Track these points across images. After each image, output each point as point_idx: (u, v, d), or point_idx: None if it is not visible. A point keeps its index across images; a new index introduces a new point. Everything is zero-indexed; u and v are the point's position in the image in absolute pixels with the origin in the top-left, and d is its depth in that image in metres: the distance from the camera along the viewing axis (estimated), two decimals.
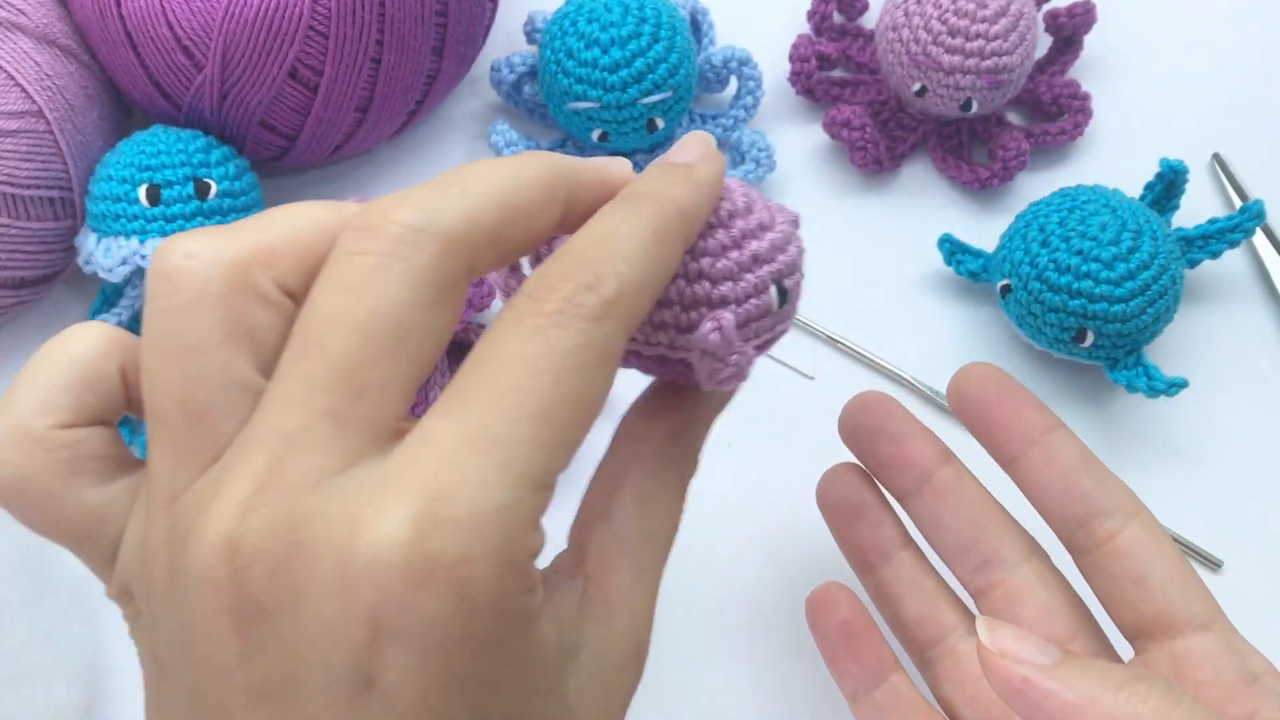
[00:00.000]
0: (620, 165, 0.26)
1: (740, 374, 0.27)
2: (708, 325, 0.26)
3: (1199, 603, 0.31)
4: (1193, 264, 0.46)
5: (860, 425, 0.36)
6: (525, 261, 0.27)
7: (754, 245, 0.27)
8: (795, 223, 0.29)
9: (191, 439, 0.22)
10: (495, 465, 0.20)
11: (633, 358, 0.28)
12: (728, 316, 0.26)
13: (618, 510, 0.26)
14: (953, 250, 0.47)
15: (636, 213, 0.24)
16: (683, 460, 0.27)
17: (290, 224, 0.23)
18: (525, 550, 0.21)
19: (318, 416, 0.21)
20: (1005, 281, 0.44)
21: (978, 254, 0.47)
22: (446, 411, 0.21)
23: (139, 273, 0.45)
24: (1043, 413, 0.34)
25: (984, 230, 0.48)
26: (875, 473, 0.37)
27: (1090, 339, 0.43)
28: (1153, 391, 0.43)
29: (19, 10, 0.44)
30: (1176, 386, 0.43)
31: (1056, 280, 0.42)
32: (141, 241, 0.44)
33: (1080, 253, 0.42)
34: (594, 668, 0.24)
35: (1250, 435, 0.46)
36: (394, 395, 0.22)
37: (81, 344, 0.24)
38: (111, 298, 0.47)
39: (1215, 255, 0.45)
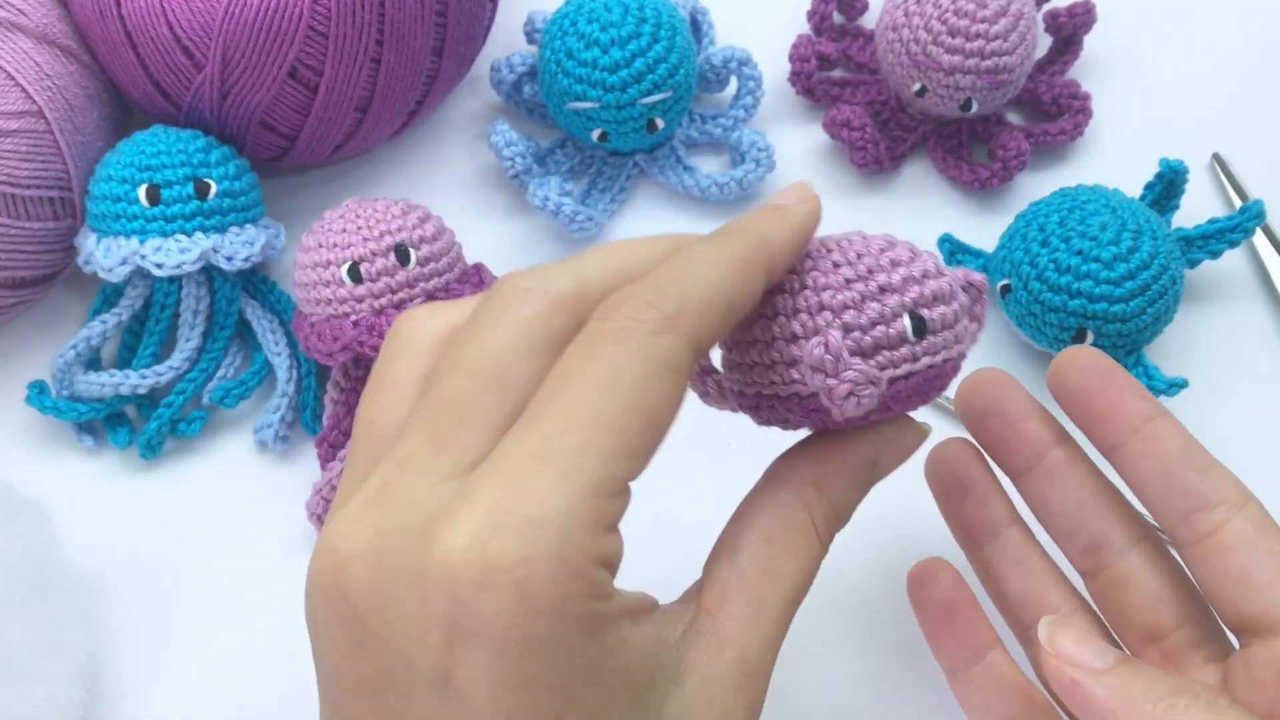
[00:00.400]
0: (798, 206, 0.29)
1: (869, 400, 0.28)
2: (814, 340, 0.27)
3: None
4: (1193, 264, 0.46)
5: (973, 405, 0.35)
6: None
7: (881, 278, 0.29)
8: (937, 263, 0.30)
9: (359, 459, 0.27)
10: (553, 475, 0.23)
11: (762, 402, 0.29)
12: (834, 333, 0.28)
13: (743, 546, 0.28)
14: (953, 250, 0.47)
15: (717, 242, 0.27)
16: (819, 507, 0.29)
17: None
18: (588, 554, 0.23)
19: (422, 442, 0.25)
20: (1005, 281, 0.44)
21: (978, 254, 0.47)
22: (517, 431, 0.24)
23: (139, 273, 0.45)
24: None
25: (984, 230, 0.48)
26: (987, 450, 0.36)
27: (1090, 339, 0.43)
28: (1153, 391, 0.43)
29: (19, 10, 0.44)
30: (1176, 386, 0.43)
31: (1056, 280, 0.42)
32: (141, 241, 0.44)
33: (1080, 253, 0.42)
34: (696, 695, 0.26)
35: (1250, 435, 0.46)
36: (492, 425, 0.25)
37: None
38: (111, 298, 0.47)
39: (1215, 255, 0.45)
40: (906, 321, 0.28)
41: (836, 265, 0.29)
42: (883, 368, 0.28)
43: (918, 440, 0.31)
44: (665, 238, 0.28)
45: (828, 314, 0.28)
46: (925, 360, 0.29)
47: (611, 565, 0.24)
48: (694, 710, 0.26)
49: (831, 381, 0.28)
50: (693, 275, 0.26)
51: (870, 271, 0.29)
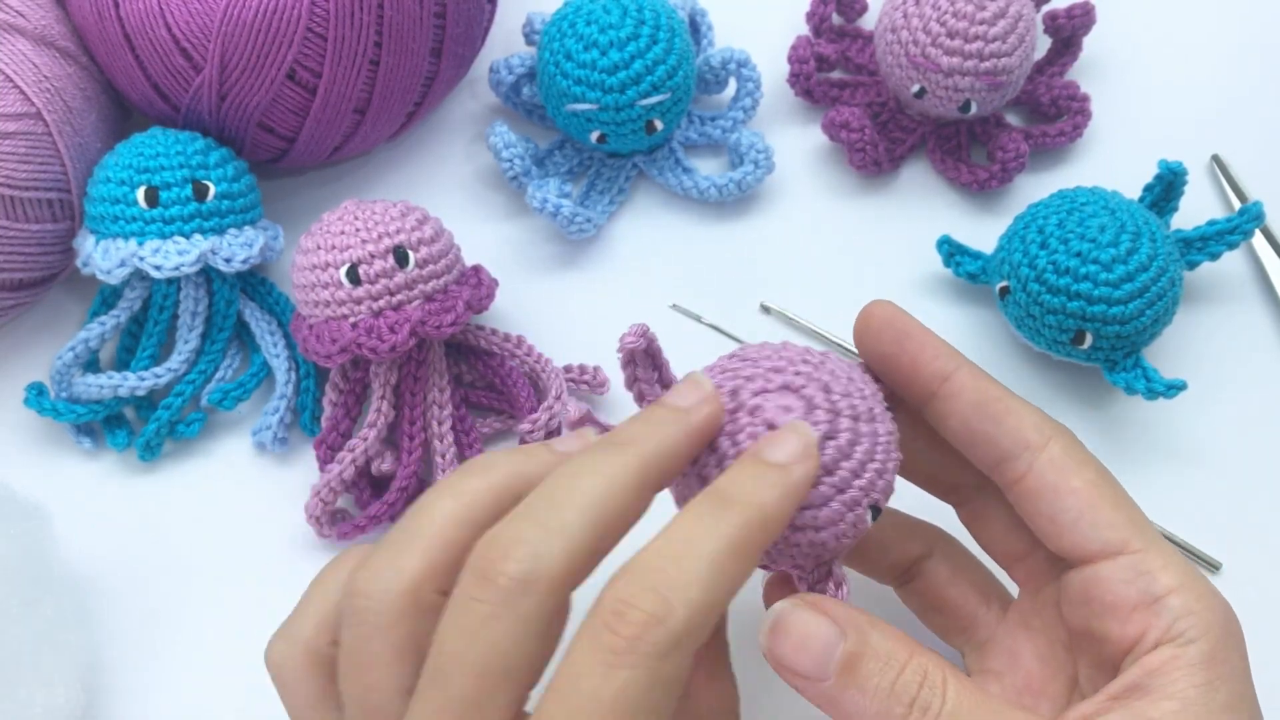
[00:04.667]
0: (697, 407, 0.30)
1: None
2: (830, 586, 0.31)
3: (1110, 529, 0.32)
4: (1192, 266, 0.45)
5: (884, 336, 0.35)
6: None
7: (857, 483, 0.30)
8: (891, 433, 0.32)
9: None
10: None
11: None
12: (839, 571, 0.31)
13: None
14: (951, 252, 0.47)
15: (717, 523, 0.27)
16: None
17: (446, 530, 0.28)
18: None
19: None
20: (1004, 283, 0.44)
21: (976, 255, 0.47)
22: (412, 711, 0.26)
23: (137, 274, 0.45)
24: (940, 358, 0.34)
25: (983, 232, 0.48)
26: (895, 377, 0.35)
27: (1089, 341, 0.43)
28: (1151, 394, 0.43)
29: (17, 12, 0.44)
30: (1175, 389, 0.43)
31: (1055, 282, 0.42)
32: (140, 243, 0.44)
33: (1079, 255, 0.42)
34: None
35: (1249, 437, 0.46)
36: (503, 712, 0.26)
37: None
38: (110, 300, 0.47)
39: (1214, 257, 0.45)
40: (869, 515, 0.31)
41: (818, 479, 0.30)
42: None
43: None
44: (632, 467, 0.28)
45: (811, 532, 0.31)
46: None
47: None
48: None
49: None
50: (698, 578, 0.26)
51: (851, 477, 0.30)
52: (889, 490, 0.31)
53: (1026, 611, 0.36)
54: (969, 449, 0.34)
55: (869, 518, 0.31)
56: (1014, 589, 0.37)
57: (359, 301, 0.42)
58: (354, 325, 0.42)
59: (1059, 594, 0.34)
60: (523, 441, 0.43)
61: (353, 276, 0.42)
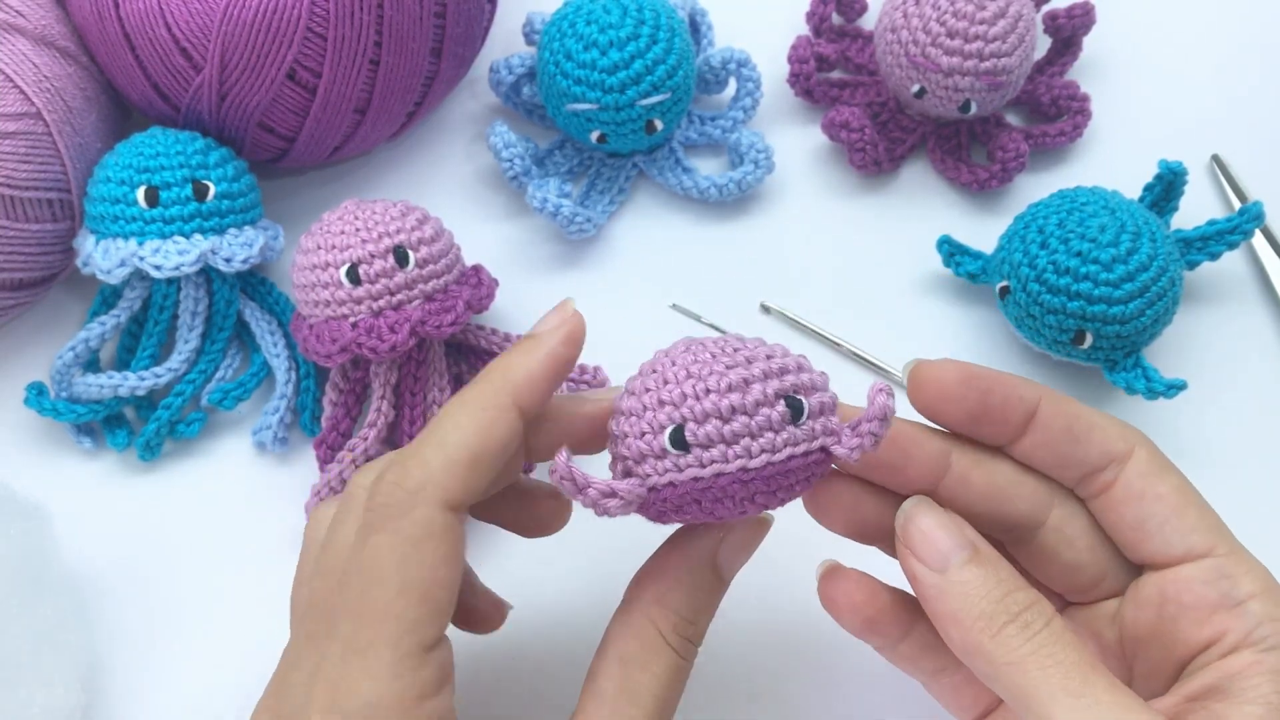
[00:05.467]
0: (555, 330, 0.32)
1: (619, 510, 0.30)
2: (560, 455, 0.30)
3: (1195, 534, 0.32)
4: (1192, 265, 0.45)
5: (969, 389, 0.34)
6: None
7: (664, 392, 0.30)
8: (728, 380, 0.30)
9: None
10: (358, 672, 0.28)
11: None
12: (562, 454, 0.30)
13: (602, 671, 0.31)
14: (951, 252, 0.47)
15: (464, 395, 0.31)
16: (665, 620, 0.31)
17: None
18: None
19: (300, 639, 0.31)
20: (1004, 283, 0.44)
21: (976, 255, 0.47)
22: (326, 634, 0.30)
23: (137, 274, 0.45)
24: (1024, 398, 0.33)
25: (983, 232, 0.48)
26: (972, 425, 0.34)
27: (1089, 341, 0.43)
28: (1151, 393, 0.43)
29: (17, 12, 0.44)
30: (1175, 388, 0.43)
31: (1055, 282, 0.42)
32: (140, 243, 0.44)
33: (1079, 254, 0.42)
34: None
35: (1249, 437, 0.46)
36: (401, 622, 0.29)
37: None
38: (110, 300, 0.47)
39: (1214, 257, 0.45)
40: (666, 437, 0.29)
41: (639, 379, 0.31)
42: (644, 477, 0.30)
43: (756, 537, 0.33)
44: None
45: (614, 423, 0.31)
46: (691, 471, 0.29)
47: None
48: None
49: (579, 498, 0.30)
50: (435, 440, 0.30)
51: (658, 385, 0.30)
52: (703, 416, 0.30)
53: (1080, 619, 0.35)
54: (1055, 471, 0.34)
55: (666, 440, 0.30)
56: None
57: (359, 301, 0.42)
58: (354, 325, 0.42)
59: (1123, 601, 0.34)
60: None
61: (353, 276, 0.42)
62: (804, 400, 0.30)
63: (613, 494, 0.29)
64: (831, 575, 0.34)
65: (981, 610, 0.30)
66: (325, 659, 0.29)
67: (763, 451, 0.29)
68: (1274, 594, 0.31)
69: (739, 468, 0.29)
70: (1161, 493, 0.33)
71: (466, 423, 0.30)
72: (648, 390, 0.30)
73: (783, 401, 0.29)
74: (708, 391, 0.29)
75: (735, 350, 0.30)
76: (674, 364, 0.30)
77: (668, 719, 0.31)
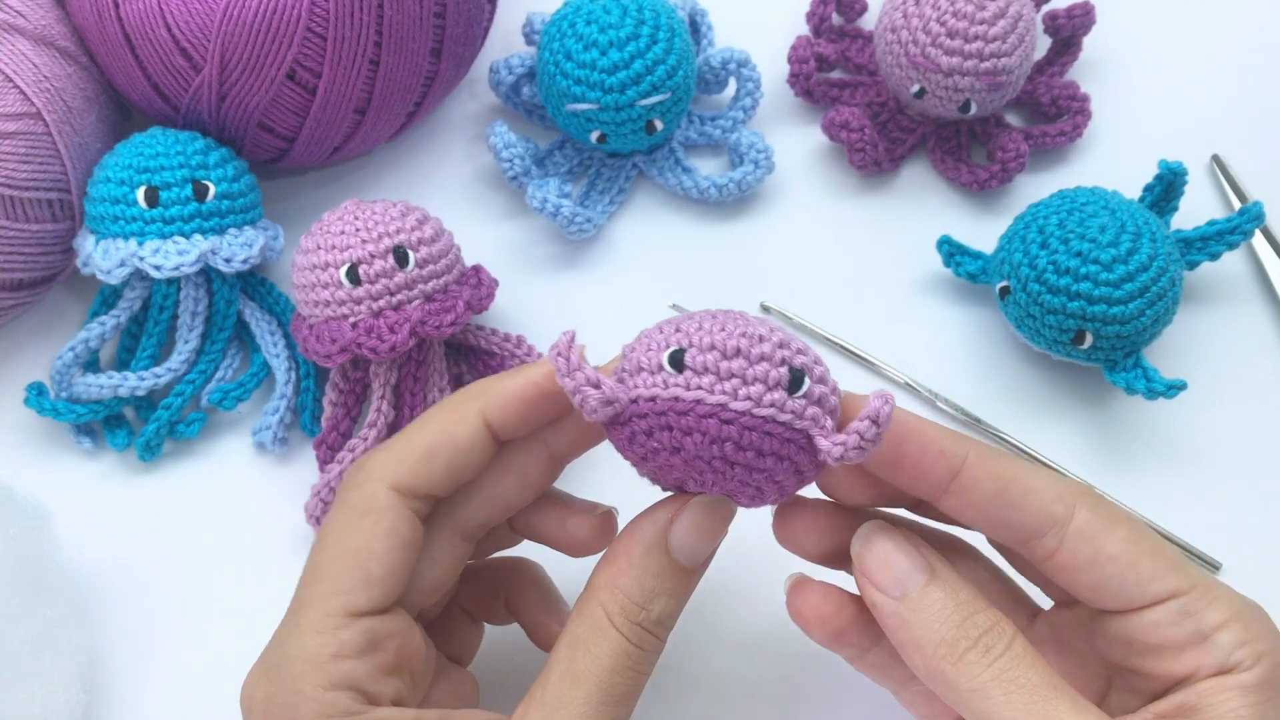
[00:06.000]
0: (536, 368, 0.34)
1: (596, 409, 0.30)
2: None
3: (1154, 583, 0.31)
4: (1192, 266, 0.45)
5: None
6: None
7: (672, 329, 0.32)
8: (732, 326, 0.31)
9: None
10: (290, 627, 0.32)
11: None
12: (565, 335, 0.31)
13: (552, 655, 0.32)
14: (951, 252, 0.47)
15: (445, 399, 0.35)
16: (615, 602, 0.31)
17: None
18: (319, 682, 0.30)
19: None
20: (1004, 283, 0.44)
21: (976, 255, 0.47)
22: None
23: (137, 274, 0.45)
24: (946, 454, 0.32)
25: (983, 232, 0.48)
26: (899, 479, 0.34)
27: (1089, 341, 0.43)
28: (1151, 393, 0.43)
29: (17, 12, 0.44)
30: (1175, 388, 0.43)
31: (1055, 282, 0.42)
32: (140, 243, 0.44)
33: (1079, 255, 0.42)
34: None
35: (1249, 437, 0.46)
36: (351, 597, 0.32)
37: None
38: (110, 300, 0.47)
39: (1214, 257, 0.45)
40: (666, 355, 0.30)
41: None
42: (632, 388, 0.30)
43: (711, 520, 0.32)
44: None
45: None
46: (675, 390, 0.30)
47: (357, 685, 0.30)
48: None
49: (566, 380, 0.30)
50: (403, 434, 0.33)
51: (681, 321, 0.31)
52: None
53: (1058, 623, 0.35)
54: (992, 533, 0.33)
55: (664, 360, 0.30)
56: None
57: (359, 301, 0.42)
58: (354, 325, 0.42)
59: (1094, 628, 0.33)
60: None
61: (353, 276, 0.42)
62: (806, 377, 0.30)
63: (596, 385, 0.30)
64: (799, 588, 0.34)
65: (942, 637, 0.30)
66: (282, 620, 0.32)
67: (748, 399, 0.29)
68: (1242, 619, 0.31)
69: (719, 403, 0.29)
70: (1112, 552, 0.31)
71: (431, 422, 0.33)
72: (670, 323, 0.31)
73: (786, 368, 0.30)
74: (721, 329, 0.30)
75: (764, 323, 0.31)
76: (705, 312, 0.31)
77: (619, 703, 0.31)
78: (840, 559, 0.34)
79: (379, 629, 0.31)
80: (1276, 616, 0.40)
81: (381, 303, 0.42)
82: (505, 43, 0.52)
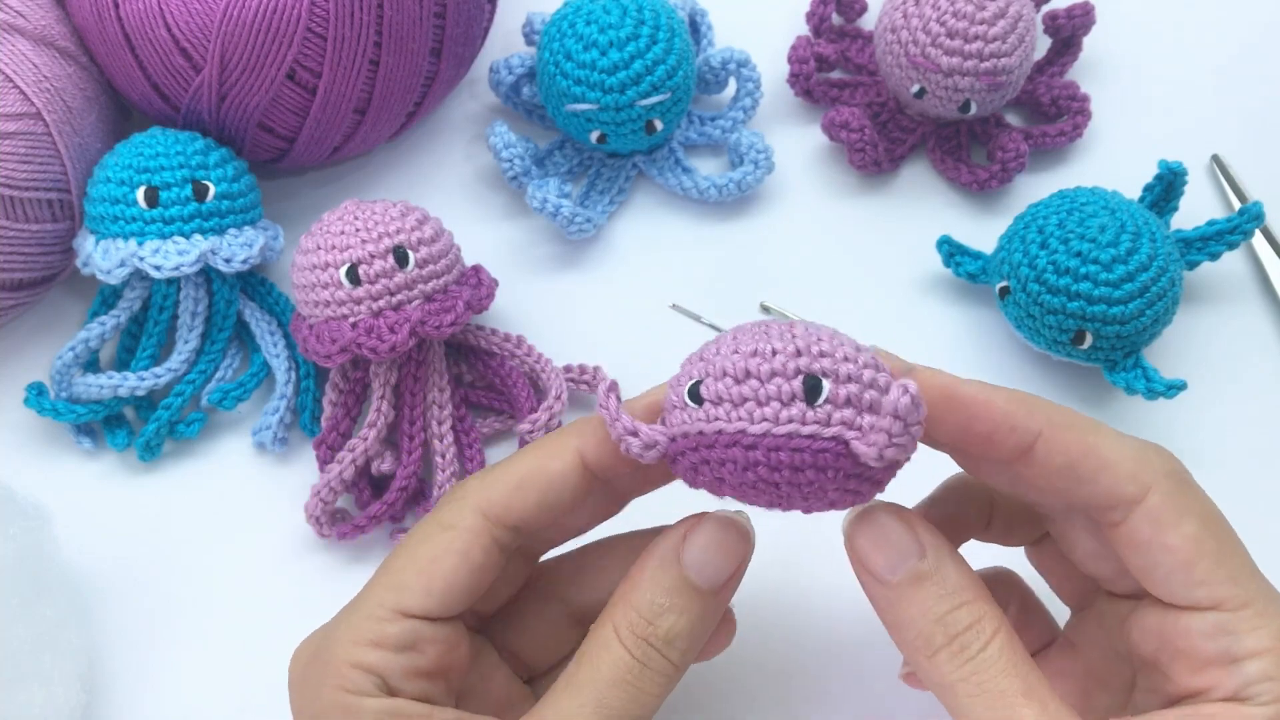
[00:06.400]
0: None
1: (639, 452, 0.31)
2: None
3: (1201, 588, 0.30)
4: (1192, 266, 0.45)
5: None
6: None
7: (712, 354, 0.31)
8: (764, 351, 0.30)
9: None
10: (347, 610, 0.33)
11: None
12: (607, 382, 0.32)
13: (569, 666, 0.32)
14: (951, 252, 0.47)
15: (550, 436, 0.33)
16: (624, 617, 0.31)
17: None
18: (346, 658, 0.31)
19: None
20: (1004, 283, 0.44)
21: (976, 255, 0.47)
22: None
23: (137, 274, 0.45)
24: (1019, 429, 0.31)
25: (983, 232, 0.48)
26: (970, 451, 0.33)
27: (1089, 341, 0.43)
28: (1151, 393, 0.43)
29: (17, 12, 0.44)
30: (1175, 388, 0.43)
31: (1055, 282, 0.42)
32: (140, 244, 0.44)
33: (1079, 254, 0.42)
34: None
35: (1249, 436, 0.46)
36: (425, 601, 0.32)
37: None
38: (110, 300, 0.47)
39: (1214, 257, 0.45)
40: (686, 389, 0.30)
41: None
42: (670, 426, 0.30)
43: (725, 539, 0.32)
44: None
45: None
46: (698, 425, 0.29)
47: (377, 671, 0.31)
48: None
49: (611, 429, 0.31)
50: (501, 465, 0.33)
51: (708, 347, 0.31)
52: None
53: (1074, 629, 0.35)
54: (1059, 502, 0.32)
55: (684, 393, 0.30)
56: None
57: (359, 301, 0.42)
58: (354, 325, 0.42)
59: (1129, 615, 0.33)
60: (522, 442, 0.43)
61: (352, 276, 0.42)
62: (824, 382, 0.29)
63: (634, 433, 0.30)
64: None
65: (919, 630, 0.30)
66: None
67: (764, 421, 0.29)
68: (1273, 657, 0.29)
69: (738, 429, 0.29)
70: (1171, 544, 0.30)
71: (529, 454, 0.33)
72: (700, 350, 0.31)
73: (800, 378, 0.29)
74: (735, 351, 0.29)
75: (790, 329, 0.30)
76: (730, 332, 0.31)
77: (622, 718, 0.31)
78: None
79: (424, 633, 0.31)
80: None
81: (381, 303, 0.42)
82: (505, 43, 0.52)
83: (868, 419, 0.29)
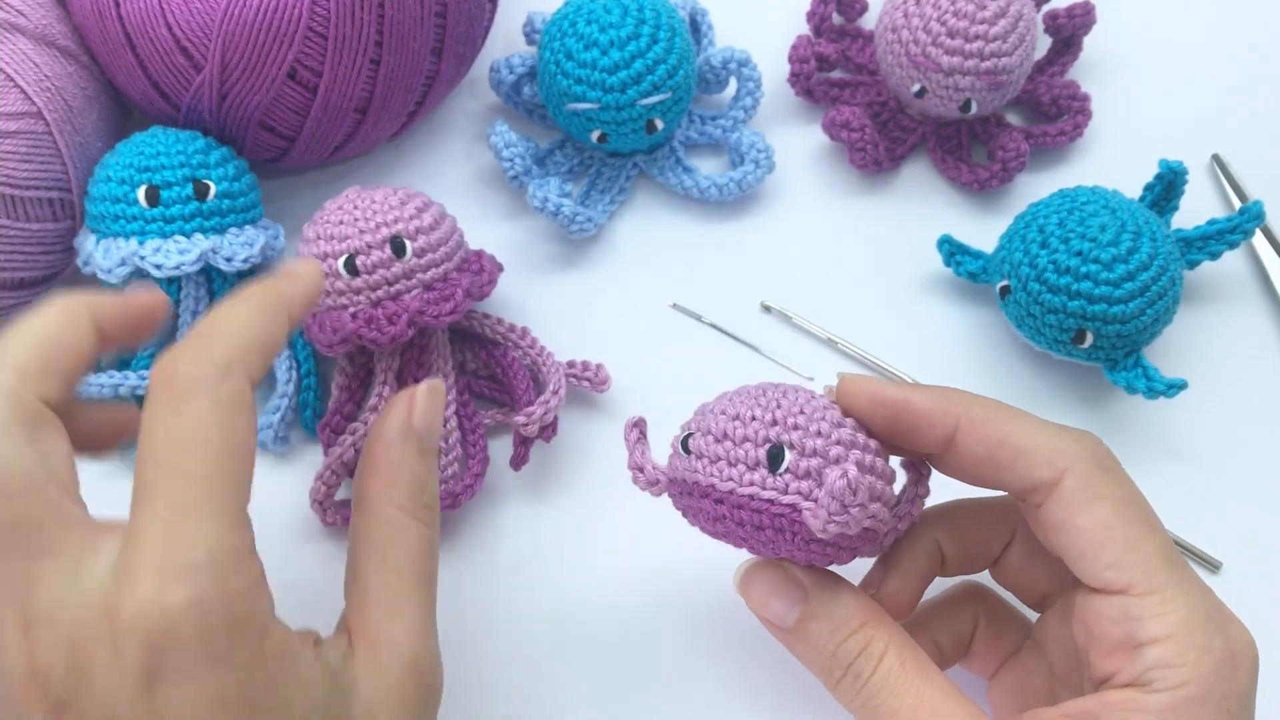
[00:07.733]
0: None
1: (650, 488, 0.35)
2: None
3: (1110, 571, 0.31)
4: (1192, 265, 0.45)
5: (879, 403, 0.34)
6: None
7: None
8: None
9: None
10: (193, 526, 0.28)
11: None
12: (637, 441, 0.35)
13: (359, 562, 0.33)
14: (952, 251, 0.47)
15: (239, 299, 0.32)
16: (399, 498, 0.34)
17: None
18: (244, 578, 0.29)
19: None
20: (1005, 282, 0.44)
21: (977, 255, 0.47)
22: (142, 503, 0.29)
23: (138, 274, 0.45)
24: (938, 425, 0.33)
25: (983, 231, 0.48)
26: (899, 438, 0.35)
27: (1089, 340, 0.43)
28: (1152, 393, 0.43)
29: (18, 11, 0.44)
30: (1176, 388, 0.43)
31: (1056, 281, 0.42)
32: (141, 243, 0.44)
33: (1080, 254, 0.42)
34: (372, 696, 0.31)
35: (1249, 436, 0.46)
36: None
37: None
38: None
39: (1215, 256, 0.45)
40: (680, 440, 0.33)
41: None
42: (671, 469, 0.34)
43: (436, 399, 0.36)
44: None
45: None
46: (683, 473, 0.33)
47: (262, 584, 0.30)
48: (378, 708, 0.31)
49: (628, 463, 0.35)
50: (230, 327, 0.31)
51: (712, 403, 0.34)
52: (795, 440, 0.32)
53: (1039, 628, 0.36)
54: (990, 488, 0.34)
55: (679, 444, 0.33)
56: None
57: (357, 292, 0.42)
58: (354, 316, 0.42)
59: (1071, 604, 0.34)
60: (518, 436, 0.43)
61: (350, 267, 0.42)
62: (787, 453, 0.31)
63: (639, 469, 0.35)
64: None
65: (821, 666, 0.33)
66: (139, 528, 0.29)
67: (730, 480, 0.32)
68: (1182, 641, 0.30)
69: (709, 484, 0.32)
70: (1081, 525, 0.31)
71: (257, 318, 0.32)
72: (707, 404, 0.34)
73: (767, 445, 0.32)
74: (723, 412, 0.33)
75: (782, 398, 0.33)
76: (733, 393, 0.34)
77: (434, 589, 0.34)
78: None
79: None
80: (1276, 614, 0.40)
81: (380, 293, 0.42)
82: (506, 42, 0.52)
83: (822, 493, 0.31)
